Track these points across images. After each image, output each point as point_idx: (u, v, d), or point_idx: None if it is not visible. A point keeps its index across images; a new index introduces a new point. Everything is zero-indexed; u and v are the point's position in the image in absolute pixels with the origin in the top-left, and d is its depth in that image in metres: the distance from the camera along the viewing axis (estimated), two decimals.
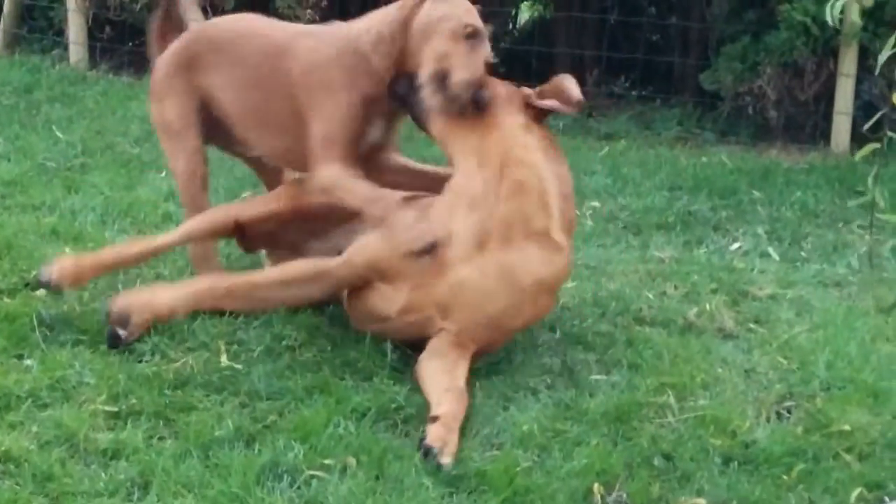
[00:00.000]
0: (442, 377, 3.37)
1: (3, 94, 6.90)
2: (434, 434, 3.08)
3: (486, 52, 3.63)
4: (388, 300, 3.57)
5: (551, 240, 3.51)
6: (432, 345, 3.48)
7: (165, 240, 4.03)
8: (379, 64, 3.75)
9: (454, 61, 3.58)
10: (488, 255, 3.47)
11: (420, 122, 3.78)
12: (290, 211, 3.97)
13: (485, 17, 3.71)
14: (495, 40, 8.02)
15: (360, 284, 3.65)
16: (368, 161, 3.87)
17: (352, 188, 3.73)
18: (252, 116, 4.01)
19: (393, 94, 3.76)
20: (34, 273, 3.89)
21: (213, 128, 4.09)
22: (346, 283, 3.70)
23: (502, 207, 3.49)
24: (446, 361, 3.43)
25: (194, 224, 4.00)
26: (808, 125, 6.85)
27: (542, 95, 3.64)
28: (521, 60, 7.94)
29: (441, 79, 3.60)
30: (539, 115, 3.66)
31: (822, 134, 6.80)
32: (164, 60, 4.15)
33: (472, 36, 3.62)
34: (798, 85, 6.65)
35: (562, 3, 7.90)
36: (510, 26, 8.75)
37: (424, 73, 3.63)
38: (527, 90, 3.68)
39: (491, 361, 3.61)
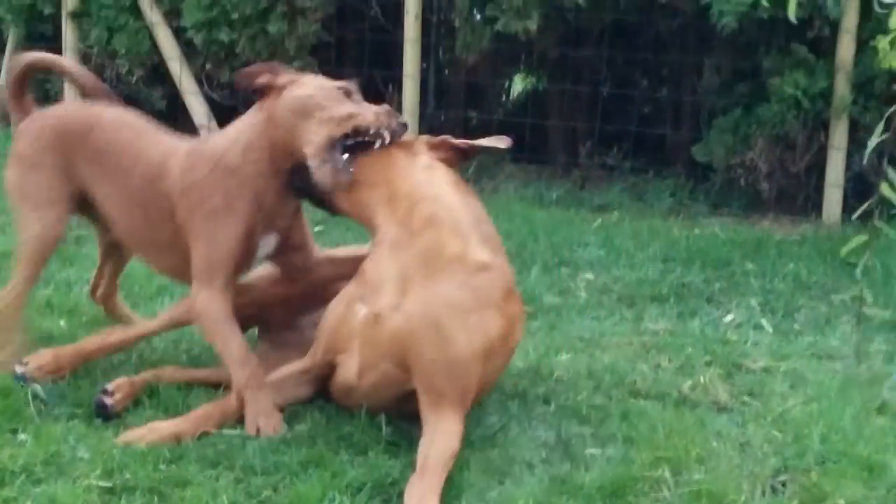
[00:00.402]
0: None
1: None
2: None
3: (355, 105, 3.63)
4: (347, 369, 3.59)
5: (469, 260, 3.51)
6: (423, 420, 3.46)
7: (147, 327, 4.06)
8: (253, 174, 3.67)
9: (329, 130, 3.57)
10: (413, 295, 3.47)
11: (329, 206, 3.79)
12: (270, 296, 3.98)
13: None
14: (489, 112, 8.16)
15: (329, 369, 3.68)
16: (289, 266, 3.87)
17: (221, 332, 3.66)
18: (137, 233, 3.93)
19: (295, 190, 3.73)
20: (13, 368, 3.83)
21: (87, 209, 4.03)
22: (320, 372, 3.71)
23: (417, 244, 3.51)
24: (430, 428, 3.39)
25: (178, 311, 4.01)
26: (800, 197, 6.90)
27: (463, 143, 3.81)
28: (514, 132, 8.00)
29: (327, 150, 3.58)
30: (452, 160, 3.78)
31: (813, 206, 6.85)
32: (42, 128, 3.98)
33: (347, 94, 3.65)
34: (790, 157, 6.71)
35: (555, 75, 7.99)
36: (504, 98, 8.83)
37: (310, 154, 3.58)
38: (433, 139, 3.79)
39: (485, 434, 3.60)
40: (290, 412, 3.63)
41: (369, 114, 3.61)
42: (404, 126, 3.70)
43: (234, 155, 3.69)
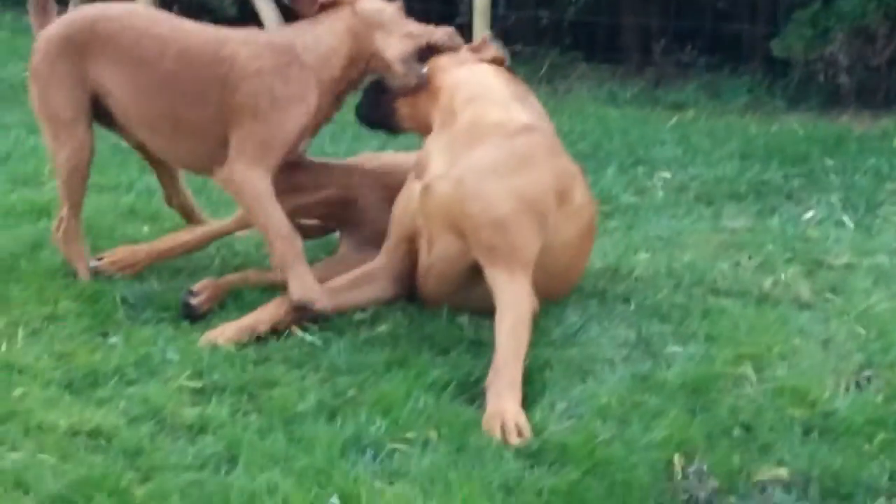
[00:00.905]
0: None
1: None
2: None
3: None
4: (420, 249, 3.70)
5: (510, 124, 3.68)
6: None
7: (219, 227, 4.16)
8: (328, 77, 3.85)
9: (412, 43, 3.89)
10: (457, 161, 3.63)
11: (392, 123, 4.04)
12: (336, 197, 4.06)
13: None
14: (561, 10, 8.06)
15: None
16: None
17: (264, 207, 3.74)
18: (156, 120, 3.93)
19: (369, 122, 4.10)
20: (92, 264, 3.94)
21: (102, 114, 4.01)
22: (399, 265, 3.78)
23: (459, 120, 3.73)
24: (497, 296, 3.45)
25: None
26: (881, 91, 6.77)
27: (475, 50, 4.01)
28: (586, 31, 7.92)
29: (410, 60, 3.89)
30: (499, 60, 3.97)
31: (894, 99, 6.71)
32: (48, 40, 3.95)
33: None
34: (870, 50, 6.57)
35: None
36: None
37: (396, 61, 3.88)
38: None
39: (566, 333, 3.62)
40: (373, 313, 3.69)
41: (438, 31, 3.96)
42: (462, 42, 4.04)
43: (314, 56, 3.84)
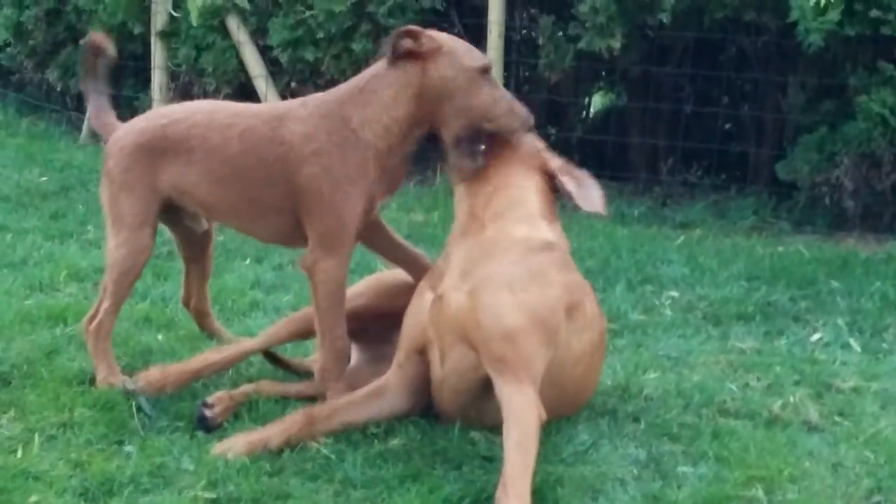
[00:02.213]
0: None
1: (90, 182, 7.10)
2: None
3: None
4: (432, 359, 3.70)
5: (532, 240, 3.67)
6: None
7: (250, 345, 4.18)
8: (385, 147, 3.77)
9: (470, 119, 3.69)
10: (472, 274, 3.62)
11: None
12: (373, 308, 4.08)
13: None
14: (569, 129, 8.20)
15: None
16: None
17: (338, 305, 3.82)
18: (234, 206, 3.98)
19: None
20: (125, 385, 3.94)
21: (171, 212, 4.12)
22: (410, 375, 3.78)
23: (484, 232, 3.69)
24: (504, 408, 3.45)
25: (278, 328, 4.14)
26: (886, 215, 6.85)
27: (564, 172, 3.85)
28: (595, 149, 8.04)
29: (466, 140, 3.71)
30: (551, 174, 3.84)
31: None
32: (122, 148, 4.03)
33: (486, 71, 3.76)
34: (875, 175, 6.66)
35: (636, 92, 8.01)
36: (584, 115, 8.86)
37: (449, 140, 3.73)
38: (551, 160, 3.88)
39: (576, 451, 3.64)
40: (387, 426, 3.71)
41: (504, 105, 3.73)
42: (531, 119, 3.83)
43: (373, 131, 3.76)
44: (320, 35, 7.55)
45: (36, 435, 3.57)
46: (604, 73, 8.40)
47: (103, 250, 5.39)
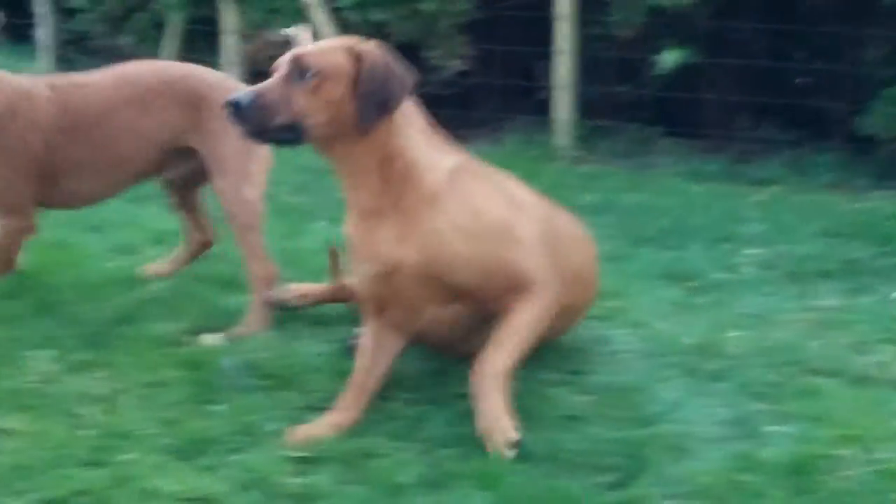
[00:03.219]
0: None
1: None
2: None
3: None
4: (404, 319, 3.65)
5: (440, 179, 3.55)
6: None
7: None
8: None
9: None
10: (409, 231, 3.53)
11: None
12: None
13: None
14: (640, 86, 8.11)
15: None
16: None
17: None
18: None
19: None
20: None
21: None
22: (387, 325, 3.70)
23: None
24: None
25: None
26: None
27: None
28: (667, 106, 7.97)
29: None
30: None
31: None
32: None
33: None
34: None
35: (708, 48, 7.90)
36: (655, 72, 8.76)
37: None
38: None
39: (660, 411, 3.63)
40: (466, 387, 3.70)
41: None
42: None
43: None
44: None
45: (127, 394, 3.63)
46: (675, 29, 8.29)
47: None
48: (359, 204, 3.54)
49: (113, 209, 5.65)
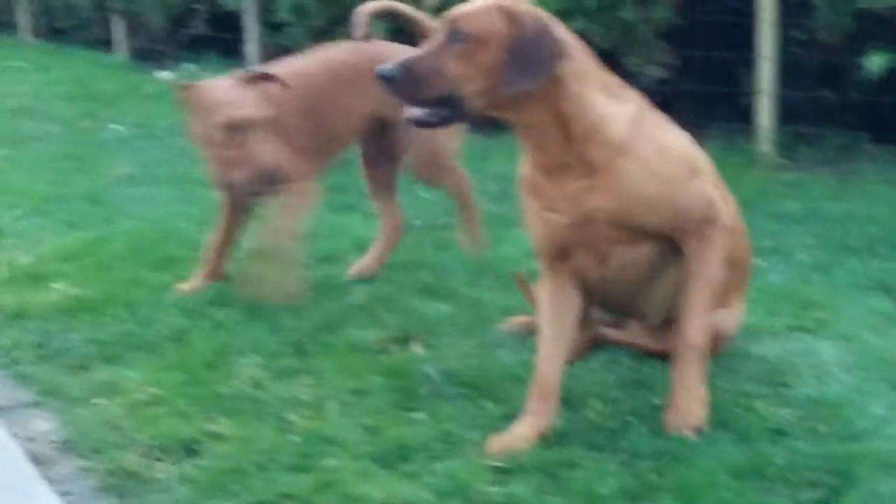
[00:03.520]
0: None
1: None
2: None
3: None
4: (586, 266, 3.60)
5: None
6: None
7: None
8: None
9: None
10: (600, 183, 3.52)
11: None
12: None
13: None
14: (847, 90, 7.89)
15: None
16: None
17: None
18: None
19: None
20: None
21: None
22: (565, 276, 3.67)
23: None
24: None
25: None
26: None
27: None
28: (873, 112, 7.73)
29: None
30: None
31: None
32: None
33: None
34: None
35: None
36: (862, 77, 8.50)
37: None
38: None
39: (871, 427, 3.53)
40: (662, 398, 3.67)
41: None
42: None
43: None
44: (590, 4, 7.51)
45: (331, 401, 3.72)
46: (883, 32, 8.03)
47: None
48: (542, 160, 3.46)
49: (318, 219, 5.80)
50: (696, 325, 3.53)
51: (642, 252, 3.56)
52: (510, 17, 3.28)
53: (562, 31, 3.40)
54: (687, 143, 3.62)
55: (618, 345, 4.08)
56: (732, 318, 3.99)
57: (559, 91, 3.34)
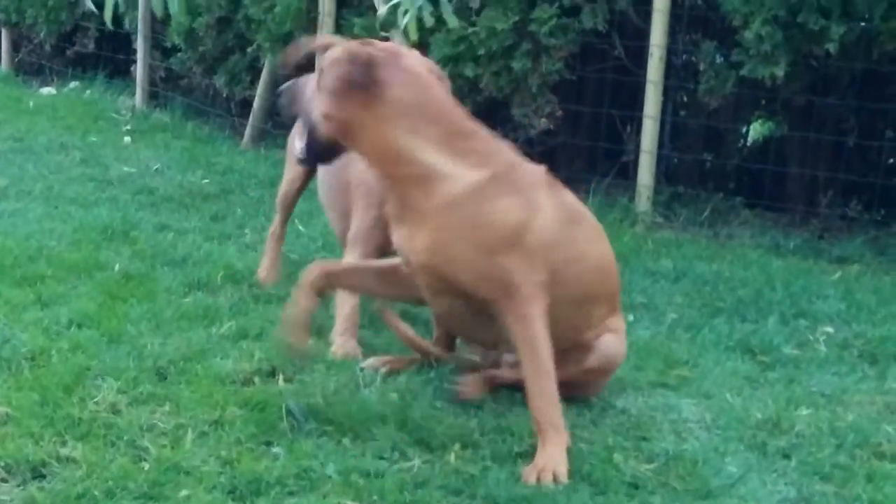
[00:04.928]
0: None
1: (249, 187, 7.28)
2: None
3: None
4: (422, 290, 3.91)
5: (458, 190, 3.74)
6: None
7: None
8: None
9: None
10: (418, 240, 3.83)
11: None
12: None
13: None
14: (726, 156, 8.09)
15: None
16: None
17: None
18: None
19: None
20: None
21: None
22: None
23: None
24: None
25: None
26: None
27: None
28: (752, 178, 7.91)
29: None
30: None
31: None
32: None
33: None
34: None
35: (796, 122, 7.85)
36: (742, 143, 8.72)
37: None
38: None
39: (724, 484, 3.57)
40: (528, 447, 3.68)
41: None
42: None
43: None
44: (481, 52, 7.57)
45: (189, 430, 3.65)
46: (764, 102, 8.26)
47: (259, 253, 5.56)
48: (387, 197, 3.85)
49: (191, 245, 5.73)
50: (542, 408, 3.65)
51: (461, 303, 3.80)
52: (350, 52, 3.66)
53: (395, 77, 3.62)
54: (519, 216, 3.68)
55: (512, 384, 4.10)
56: (617, 341, 4.14)
57: (374, 131, 3.63)
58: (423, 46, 7.91)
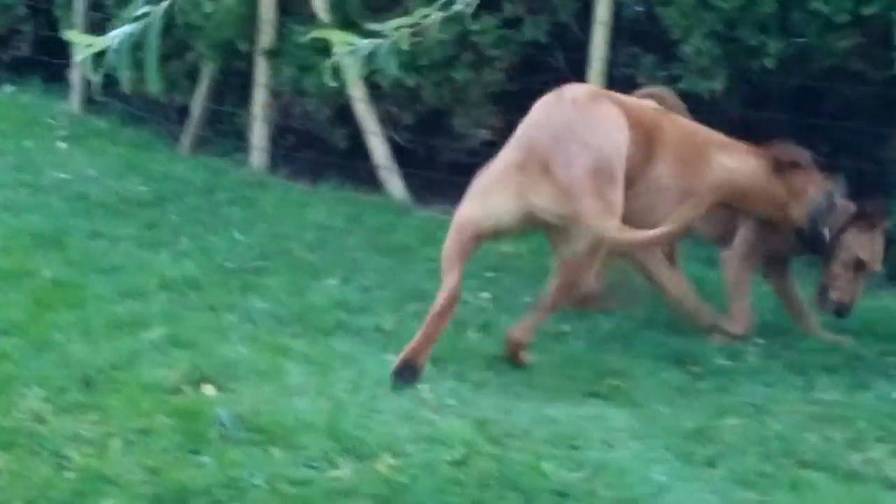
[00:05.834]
0: None
1: (187, 195, 7.21)
2: None
3: None
4: None
5: None
6: None
7: None
8: None
9: None
10: None
11: None
12: None
13: None
14: None
15: None
16: None
17: None
18: None
19: None
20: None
21: None
22: None
23: None
24: None
25: None
26: None
27: None
28: None
29: None
30: None
31: None
32: None
33: None
34: None
35: (733, 135, 7.90)
36: None
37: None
38: None
39: (649, 492, 3.61)
40: (459, 457, 3.69)
41: None
42: None
43: None
44: (423, 62, 7.57)
45: (115, 439, 3.63)
46: (702, 115, 8.30)
47: (194, 261, 5.52)
48: None
49: (124, 253, 5.69)
50: None
51: None
52: None
53: None
54: None
55: None
56: None
57: None
58: None
